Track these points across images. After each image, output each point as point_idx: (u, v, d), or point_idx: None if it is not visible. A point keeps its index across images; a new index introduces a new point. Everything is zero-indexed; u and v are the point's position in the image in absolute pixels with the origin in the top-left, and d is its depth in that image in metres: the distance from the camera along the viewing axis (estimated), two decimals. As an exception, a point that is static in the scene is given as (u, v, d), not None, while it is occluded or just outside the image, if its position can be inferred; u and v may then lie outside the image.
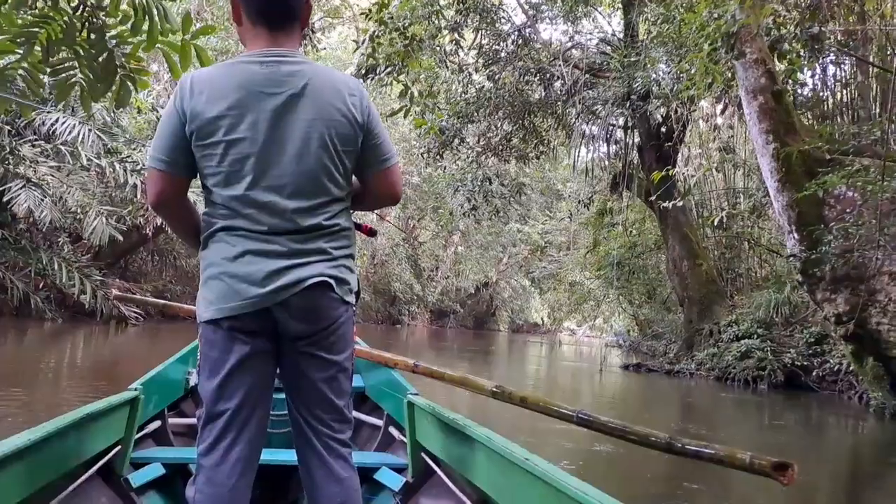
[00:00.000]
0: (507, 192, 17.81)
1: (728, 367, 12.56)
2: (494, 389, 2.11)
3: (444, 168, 15.71)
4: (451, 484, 2.24)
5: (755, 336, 12.67)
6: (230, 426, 1.58)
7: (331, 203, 1.62)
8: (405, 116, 7.28)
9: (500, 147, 16.42)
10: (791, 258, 8.35)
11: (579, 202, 18.02)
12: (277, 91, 1.56)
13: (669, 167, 9.42)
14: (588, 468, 4.74)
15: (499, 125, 15.86)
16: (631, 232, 19.30)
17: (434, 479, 2.40)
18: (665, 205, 9.50)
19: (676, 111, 12.27)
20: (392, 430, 3.06)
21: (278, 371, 1.71)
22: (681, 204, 10.45)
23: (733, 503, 4.21)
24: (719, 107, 11.39)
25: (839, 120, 11.26)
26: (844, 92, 12.27)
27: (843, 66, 12.16)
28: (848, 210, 8.18)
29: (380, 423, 3.18)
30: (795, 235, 8.69)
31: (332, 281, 1.60)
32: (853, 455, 6.89)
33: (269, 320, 1.58)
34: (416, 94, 7.16)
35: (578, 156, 16.15)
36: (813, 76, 12.48)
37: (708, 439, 5.90)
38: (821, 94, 12.46)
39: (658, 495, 4.26)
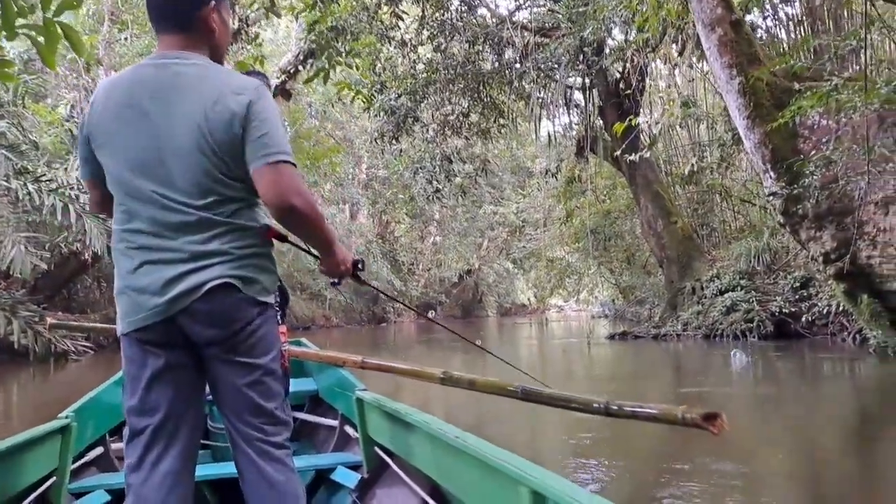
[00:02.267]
0: (472, 171, 17.13)
1: (715, 324, 12.03)
2: (442, 376, 2.08)
3: (401, 151, 14.93)
4: (404, 475, 2.24)
5: (739, 288, 12.15)
6: (155, 441, 1.56)
7: (225, 202, 1.56)
8: (325, 82, 6.52)
9: (459, 124, 15.72)
10: (771, 196, 7.74)
11: (546, 172, 17.38)
12: (163, 94, 1.56)
13: (632, 117, 8.76)
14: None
15: (454, 101, 15.15)
16: (603, 199, 18.72)
17: (388, 472, 2.39)
18: (632, 158, 8.89)
19: (632, 60, 11.62)
20: (347, 428, 3.02)
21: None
22: (647, 155, 9.85)
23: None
24: (676, 53, 10.72)
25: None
26: (799, 30, 11.79)
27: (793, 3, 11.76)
28: (824, 139, 7.58)
29: (335, 423, 3.15)
30: (772, 174, 8.09)
31: (235, 281, 1.55)
32: (863, 400, 6.31)
33: (177, 330, 1.56)
34: (333, 53, 6.38)
35: (540, 124, 15.43)
36: (765, 18, 12.05)
37: (701, 401, 5.39)
38: (775, 35, 12.00)
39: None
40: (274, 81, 18.09)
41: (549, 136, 14.92)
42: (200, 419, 1.67)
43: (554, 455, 4.22)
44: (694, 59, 10.97)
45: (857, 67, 7.11)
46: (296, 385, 3.27)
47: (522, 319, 39.33)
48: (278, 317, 1.65)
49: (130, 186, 1.56)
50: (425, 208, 33.06)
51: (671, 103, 10.97)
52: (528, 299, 51.43)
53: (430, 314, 33.72)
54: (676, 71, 11.62)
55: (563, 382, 8.81)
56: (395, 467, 2.34)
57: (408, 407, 2.18)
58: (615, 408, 1.44)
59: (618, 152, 10.76)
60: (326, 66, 6.18)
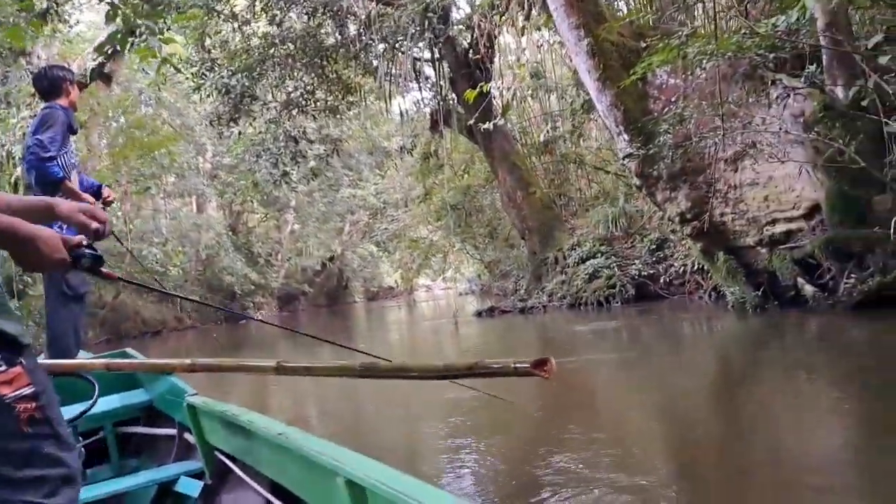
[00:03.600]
0: (323, 151, 16.10)
1: (579, 292, 12.01)
2: (276, 367, 1.94)
3: (240, 134, 13.61)
4: (245, 477, 2.19)
5: (599, 254, 12.21)
6: None
7: None
8: (122, 48, 5.36)
9: (304, 102, 14.65)
10: (626, 159, 7.55)
11: (402, 149, 16.72)
12: None
13: (483, 84, 8.25)
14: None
15: (297, 77, 14.06)
16: (461, 174, 18.39)
17: (231, 476, 2.34)
18: (486, 126, 8.40)
19: (480, 27, 11.17)
20: (187, 436, 2.86)
21: None
22: (501, 123, 9.45)
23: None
24: (522, 18, 10.35)
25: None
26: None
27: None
28: (673, 98, 7.49)
29: (173, 432, 2.99)
30: (625, 136, 7.93)
31: None
32: (725, 357, 6.24)
33: None
34: (124, 9, 5.25)
35: (391, 100, 14.68)
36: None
37: (568, 371, 5.37)
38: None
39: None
40: (90, 64, 16.08)
41: (401, 111, 14.15)
42: None
43: (432, 439, 4.17)
44: (542, 27, 10.66)
45: (703, 20, 7.03)
46: (127, 398, 3.12)
47: (391, 303, 38.87)
48: None
49: None
50: (279, 196, 31.53)
51: (522, 68, 10.62)
52: (396, 281, 51.06)
53: (255, 315, 32.33)
54: (525, 39, 11.22)
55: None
56: (236, 470, 2.30)
57: (236, 407, 2.15)
58: (452, 373, 1.47)
59: (471, 121, 10.26)
60: (121, 27, 5.07)
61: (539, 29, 11.88)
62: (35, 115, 3.87)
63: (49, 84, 3.73)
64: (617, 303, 11.41)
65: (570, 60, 17.17)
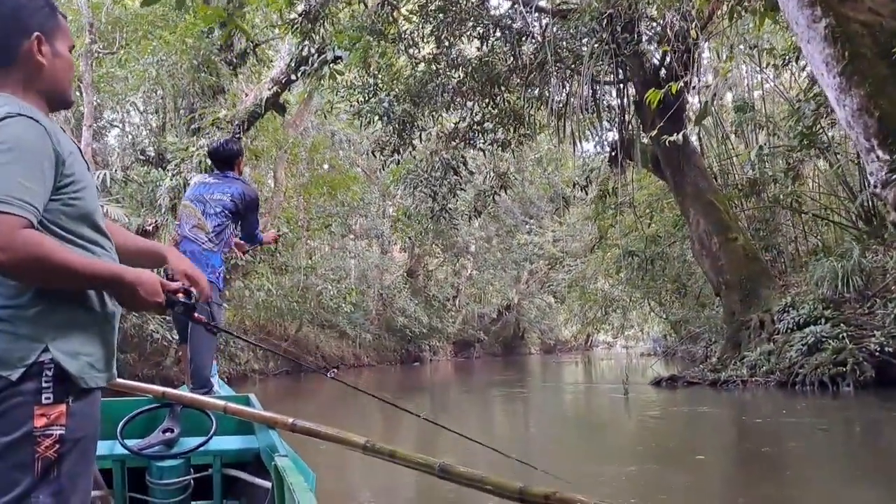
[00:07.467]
0: (490, 187, 14.77)
1: (793, 367, 9.31)
2: (365, 444, 2.15)
3: (398, 163, 12.66)
4: None
5: (823, 320, 9.43)
6: None
7: None
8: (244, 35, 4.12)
9: (472, 133, 13.52)
10: (884, 186, 5.18)
11: (574, 185, 14.90)
12: None
13: (672, 84, 6.30)
14: None
15: (464, 104, 12.99)
16: (647, 220, 16.10)
17: None
18: (672, 139, 6.43)
19: (672, 26, 9.14)
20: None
21: None
22: (694, 138, 7.36)
23: None
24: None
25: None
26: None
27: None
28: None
29: (268, 485, 2.93)
30: (879, 152, 5.53)
31: None
32: None
33: None
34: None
35: (565, 124, 12.89)
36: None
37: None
38: None
39: None
40: (266, 94, 16.41)
41: (574, 141, 12.28)
42: None
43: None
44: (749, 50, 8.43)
45: None
46: (240, 442, 3.16)
47: (567, 357, 36.85)
48: (42, 396, 1.40)
49: None
50: (457, 240, 31.07)
51: (729, 61, 8.41)
52: (573, 335, 48.77)
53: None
54: (734, 24, 8.85)
55: (570, 459, 6.35)
56: None
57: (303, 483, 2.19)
58: (526, 496, 1.48)
59: (653, 132, 8.21)
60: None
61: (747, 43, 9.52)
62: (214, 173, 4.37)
63: (224, 160, 4.27)
64: (848, 385, 8.58)
65: (786, 90, 14.45)
